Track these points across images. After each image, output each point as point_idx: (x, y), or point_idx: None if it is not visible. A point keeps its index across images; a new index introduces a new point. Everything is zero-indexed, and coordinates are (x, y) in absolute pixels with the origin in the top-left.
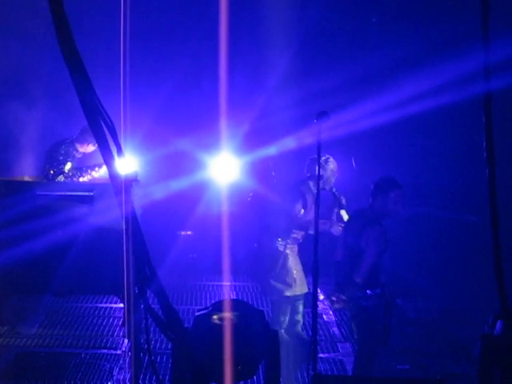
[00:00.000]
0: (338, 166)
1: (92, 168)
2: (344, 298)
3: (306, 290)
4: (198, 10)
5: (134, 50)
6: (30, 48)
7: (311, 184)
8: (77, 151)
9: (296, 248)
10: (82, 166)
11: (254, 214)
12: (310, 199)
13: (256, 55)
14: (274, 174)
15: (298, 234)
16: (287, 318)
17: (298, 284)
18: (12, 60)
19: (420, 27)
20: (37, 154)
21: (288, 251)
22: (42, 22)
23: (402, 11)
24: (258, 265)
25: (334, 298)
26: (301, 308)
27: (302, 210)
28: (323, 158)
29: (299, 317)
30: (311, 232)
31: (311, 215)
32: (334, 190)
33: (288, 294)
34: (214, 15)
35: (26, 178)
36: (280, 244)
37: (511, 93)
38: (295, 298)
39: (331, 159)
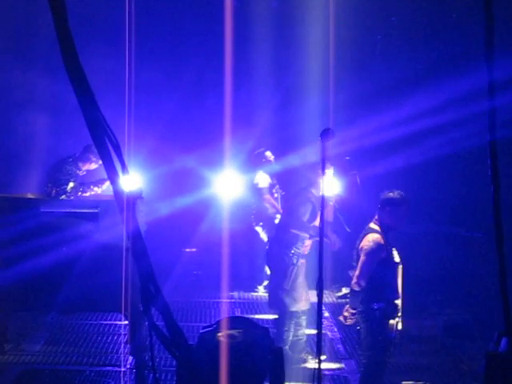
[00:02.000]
0: (344, 181)
1: (95, 184)
2: (354, 312)
3: (308, 307)
4: (202, 27)
5: (139, 67)
6: (32, 66)
7: (314, 191)
8: (80, 170)
9: (305, 263)
10: (85, 182)
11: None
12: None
13: (260, 72)
14: (278, 191)
15: (308, 243)
16: (291, 334)
17: (304, 300)
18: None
19: (424, 45)
20: (41, 171)
21: (300, 264)
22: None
23: (407, 29)
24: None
25: (346, 314)
26: (304, 324)
27: (307, 215)
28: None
29: (302, 333)
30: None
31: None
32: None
33: (293, 309)
34: (218, 32)
35: (30, 196)
36: (292, 257)
37: None
38: (299, 314)
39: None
